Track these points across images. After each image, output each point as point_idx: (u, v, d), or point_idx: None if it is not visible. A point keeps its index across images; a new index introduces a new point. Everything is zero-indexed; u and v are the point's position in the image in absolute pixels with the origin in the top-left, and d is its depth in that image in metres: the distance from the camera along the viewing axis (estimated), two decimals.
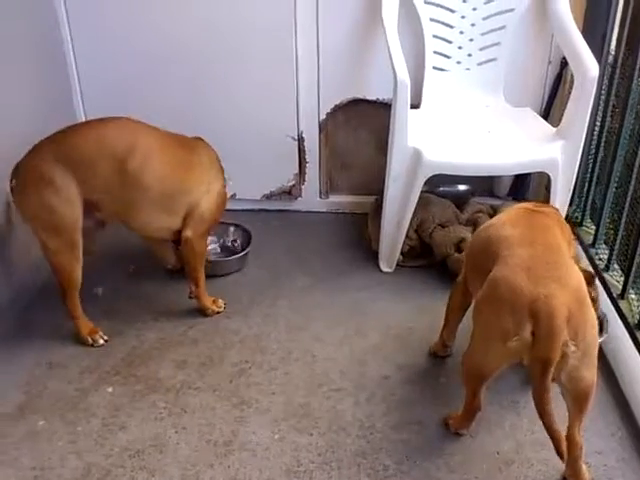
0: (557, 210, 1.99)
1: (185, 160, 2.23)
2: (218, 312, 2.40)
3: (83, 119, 2.91)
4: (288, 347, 2.25)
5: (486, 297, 1.66)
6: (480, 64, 2.72)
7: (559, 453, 1.58)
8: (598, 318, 2.09)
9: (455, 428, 1.89)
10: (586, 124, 2.37)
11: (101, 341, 2.25)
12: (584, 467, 1.73)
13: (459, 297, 2.04)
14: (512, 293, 1.56)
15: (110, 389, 2.07)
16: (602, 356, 2.06)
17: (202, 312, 2.39)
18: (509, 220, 1.82)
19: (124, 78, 2.83)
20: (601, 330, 2.09)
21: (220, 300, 2.43)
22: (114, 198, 2.11)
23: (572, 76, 2.47)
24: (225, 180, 2.36)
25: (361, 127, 2.96)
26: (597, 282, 2.13)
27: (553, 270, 1.58)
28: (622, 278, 2.25)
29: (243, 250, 2.69)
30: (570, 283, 1.57)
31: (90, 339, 2.24)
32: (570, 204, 2.61)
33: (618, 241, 2.33)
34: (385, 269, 2.66)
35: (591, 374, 1.59)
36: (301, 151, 2.97)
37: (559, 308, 1.50)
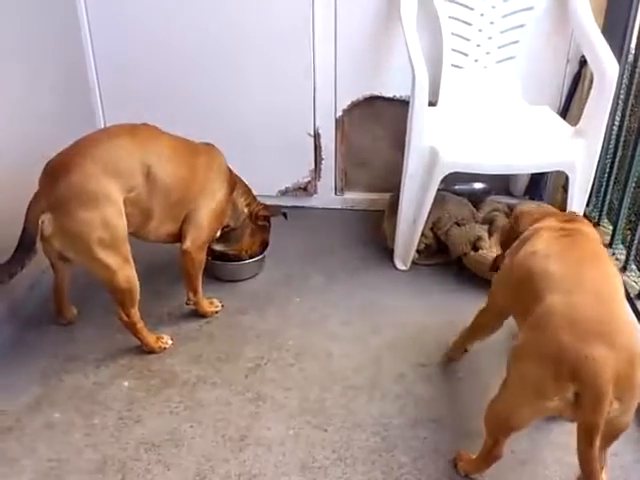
0: (590, 224, 1.82)
1: (193, 166, 2.21)
2: (217, 312, 2.39)
3: (101, 119, 2.96)
4: (303, 344, 2.25)
5: (525, 349, 1.54)
6: (498, 62, 2.71)
7: None
8: None
9: (466, 471, 1.75)
10: (605, 124, 2.35)
11: (170, 342, 2.23)
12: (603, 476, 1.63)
13: (489, 321, 1.94)
14: (554, 350, 1.43)
15: (126, 383, 2.08)
16: None
17: (202, 316, 2.38)
18: (551, 250, 1.65)
19: (144, 79, 2.86)
20: None
21: (215, 300, 2.42)
22: (139, 204, 2.06)
23: (591, 75, 2.46)
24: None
25: (377, 124, 2.95)
26: None
27: (602, 325, 1.43)
28: None
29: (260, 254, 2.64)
30: (620, 340, 1.41)
31: (158, 347, 2.20)
32: (587, 204, 2.60)
33: (636, 241, 2.32)
34: (400, 267, 2.66)
35: (629, 420, 1.49)
36: (317, 147, 2.97)
37: (604, 371, 1.37)
